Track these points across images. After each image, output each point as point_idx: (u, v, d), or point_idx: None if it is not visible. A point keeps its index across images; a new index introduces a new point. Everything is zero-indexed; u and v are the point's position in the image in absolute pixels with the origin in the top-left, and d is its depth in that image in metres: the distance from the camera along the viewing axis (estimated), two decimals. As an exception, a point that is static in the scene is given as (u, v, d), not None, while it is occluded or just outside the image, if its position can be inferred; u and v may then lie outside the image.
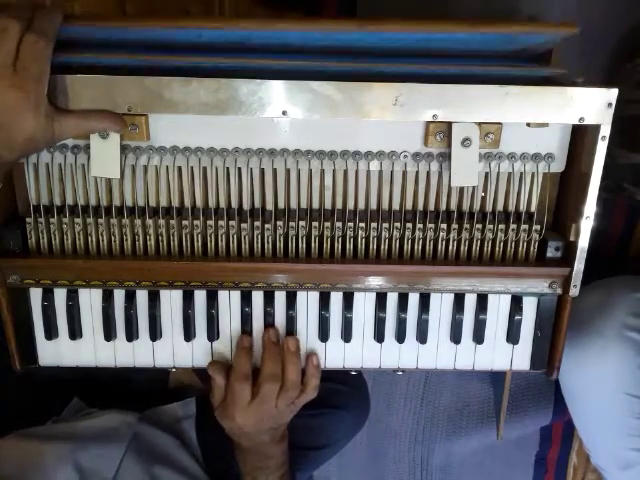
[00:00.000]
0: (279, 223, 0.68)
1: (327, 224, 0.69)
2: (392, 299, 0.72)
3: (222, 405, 0.72)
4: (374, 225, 0.68)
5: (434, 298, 0.71)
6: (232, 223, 0.68)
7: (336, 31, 0.58)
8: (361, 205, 0.69)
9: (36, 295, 0.70)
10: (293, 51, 0.60)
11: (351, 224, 0.68)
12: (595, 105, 0.60)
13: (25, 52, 0.52)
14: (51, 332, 0.71)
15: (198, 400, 0.91)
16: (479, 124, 0.62)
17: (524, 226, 0.68)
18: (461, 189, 0.68)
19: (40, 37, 0.52)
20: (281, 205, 0.69)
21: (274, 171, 0.68)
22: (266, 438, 0.74)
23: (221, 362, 0.73)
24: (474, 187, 0.67)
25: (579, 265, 0.67)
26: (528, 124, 0.64)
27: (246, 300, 0.71)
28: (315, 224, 0.68)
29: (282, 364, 0.71)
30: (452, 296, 0.71)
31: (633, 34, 0.94)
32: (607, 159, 0.62)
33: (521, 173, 0.67)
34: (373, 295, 0.71)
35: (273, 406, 0.70)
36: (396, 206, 0.69)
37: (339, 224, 0.68)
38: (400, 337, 0.72)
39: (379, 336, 0.73)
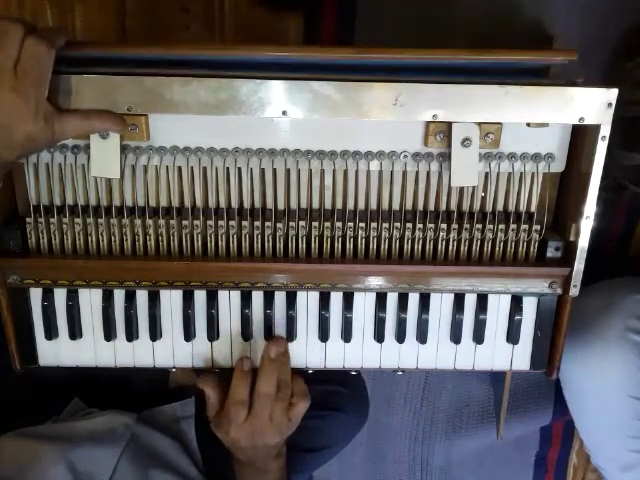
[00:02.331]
0: (279, 223, 0.68)
1: (327, 224, 0.69)
2: (392, 299, 0.72)
3: (217, 418, 0.72)
4: (374, 225, 0.68)
5: (434, 298, 0.71)
6: (232, 223, 0.68)
7: (334, 58, 0.59)
8: (361, 205, 0.69)
9: (36, 295, 0.70)
10: (291, 66, 0.61)
11: (351, 224, 0.68)
12: (595, 105, 0.60)
13: (26, 56, 0.52)
14: (51, 332, 0.71)
15: (197, 400, 0.91)
16: (479, 124, 0.62)
17: (524, 226, 0.68)
18: (461, 189, 0.68)
19: (42, 42, 0.52)
20: (281, 205, 0.69)
21: (274, 171, 0.68)
22: (262, 453, 0.73)
23: (211, 375, 0.72)
24: (474, 187, 0.67)
25: (579, 265, 0.67)
26: (528, 124, 0.64)
27: (246, 300, 0.71)
28: (315, 224, 0.68)
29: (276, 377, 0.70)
30: (452, 296, 0.71)
31: (633, 33, 0.94)
32: (607, 159, 0.62)
33: (521, 173, 0.67)
34: (373, 295, 0.71)
35: (267, 421, 0.69)
36: (396, 206, 0.69)
37: (339, 224, 0.68)
38: (400, 337, 0.72)
39: (379, 336, 0.73)
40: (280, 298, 0.72)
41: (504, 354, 0.74)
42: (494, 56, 0.60)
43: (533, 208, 0.69)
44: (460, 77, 0.60)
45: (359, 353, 0.74)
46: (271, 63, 0.60)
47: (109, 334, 0.71)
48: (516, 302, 0.71)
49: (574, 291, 0.68)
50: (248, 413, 0.69)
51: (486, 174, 0.67)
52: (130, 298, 0.71)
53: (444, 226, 0.69)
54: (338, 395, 0.98)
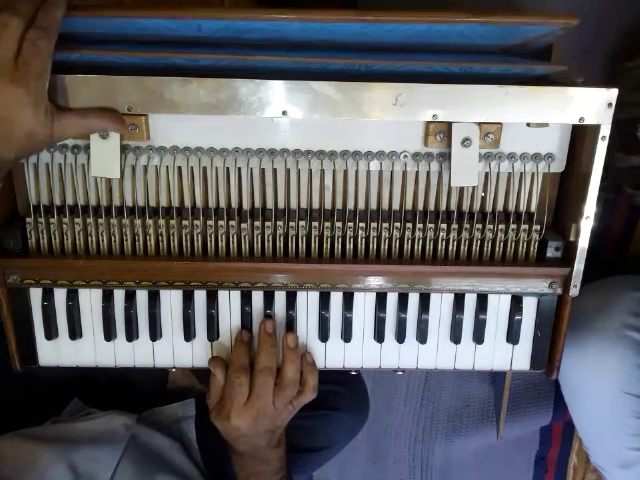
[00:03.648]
0: (279, 223, 0.68)
1: (327, 224, 0.69)
2: (392, 299, 0.72)
3: (218, 405, 0.71)
4: (374, 225, 0.68)
5: (434, 298, 0.71)
6: (232, 223, 0.68)
7: (335, 22, 0.58)
8: (361, 205, 0.69)
9: (36, 295, 0.70)
10: (292, 47, 0.60)
11: (351, 224, 0.68)
12: (595, 105, 0.60)
13: (26, 48, 0.52)
14: (51, 332, 0.71)
15: (197, 401, 0.91)
16: (479, 124, 0.62)
17: (524, 226, 0.68)
18: (461, 189, 0.68)
19: (42, 33, 0.52)
20: (281, 205, 0.69)
21: (274, 171, 0.68)
22: (262, 442, 0.73)
23: (222, 359, 0.72)
24: (474, 187, 0.67)
25: (579, 265, 0.67)
26: (528, 124, 0.64)
27: (246, 300, 0.71)
28: (315, 224, 0.68)
29: (281, 359, 0.70)
30: (452, 296, 0.71)
31: (633, 33, 0.94)
32: (606, 160, 0.62)
33: (521, 173, 0.67)
34: (373, 295, 0.71)
35: (270, 403, 0.69)
36: (396, 206, 0.69)
37: (339, 224, 0.68)
38: (400, 337, 0.72)
39: (379, 336, 0.73)
40: (280, 298, 0.72)
41: (504, 354, 0.74)
42: (493, 19, 0.59)
43: (533, 208, 0.69)
44: (461, 57, 0.59)
45: (359, 353, 0.74)
46: (273, 30, 0.59)
47: (109, 334, 0.71)
48: (516, 302, 0.71)
49: (574, 291, 0.68)
50: (250, 393, 0.69)
51: (486, 174, 0.67)
52: (130, 298, 0.71)
53: (444, 226, 0.69)
54: (338, 395, 0.98)
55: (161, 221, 0.68)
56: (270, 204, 0.69)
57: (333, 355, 0.74)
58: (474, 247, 0.70)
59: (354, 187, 0.69)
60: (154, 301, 0.71)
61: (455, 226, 0.69)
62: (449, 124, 0.62)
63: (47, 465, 0.73)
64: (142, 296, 0.71)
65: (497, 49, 0.64)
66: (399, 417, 1.28)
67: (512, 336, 0.72)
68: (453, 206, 0.69)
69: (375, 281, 0.70)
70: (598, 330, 0.83)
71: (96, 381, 0.91)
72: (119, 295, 0.71)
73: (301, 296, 0.71)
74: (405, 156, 0.66)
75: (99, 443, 0.79)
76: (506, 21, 0.58)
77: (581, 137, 0.65)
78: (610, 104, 0.60)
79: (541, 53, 0.66)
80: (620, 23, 0.94)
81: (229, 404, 0.70)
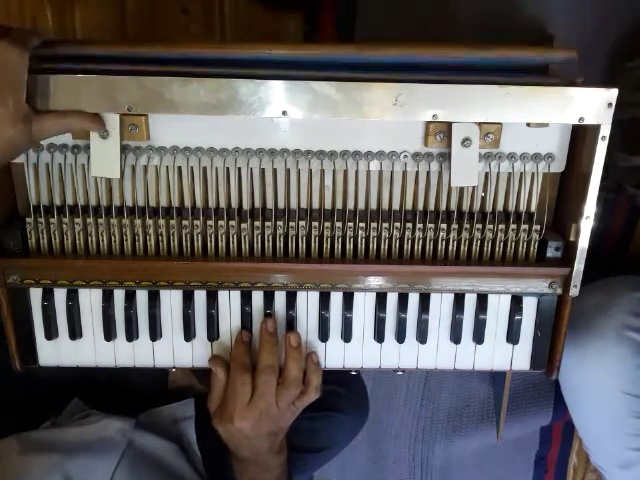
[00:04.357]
0: (279, 223, 0.68)
1: (327, 224, 0.69)
2: (392, 299, 0.72)
3: (220, 408, 0.71)
4: (374, 225, 0.68)
5: (434, 298, 0.71)
6: (232, 223, 0.68)
7: (335, 56, 0.60)
8: (361, 205, 0.69)
9: (36, 295, 0.70)
10: (292, 64, 0.61)
11: (351, 224, 0.68)
12: (595, 105, 0.60)
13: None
14: (51, 332, 0.71)
15: (197, 401, 0.91)
16: (479, 124, 0.62)
17: (524, 226, 0.68)
18: (461, 189, 0.68)
19: (13, 46, 0.53)
20: (281, 205, 0.69)
21: (274, 171, 0.68)
22: (264, 445, 0.72)
23: (223, 357, 0.72)
24: (474, 187, 0.67)
25: (579, 265, 0.67)
26: (528, 124, 0.64)
27: (246, 300, 0.71)
28: (315, 224, 0.68)
29: (283, 358, 0.70)
30: (452, 296, 0.71)
31: (633, 33, 0.94)
32: (607, 160, 0.62)
33: (521, 173, 0.67)
34: (373, 295, 0.71)
35: (273, 403, 0.69)
36: (396, 206, 0.69)
37: (339, 224, 0.68)
38: (400, 337, 0.72)
39: (379, 336, 0.73)
40: (280, 298, 0.72)
41: (504, 354, 0.74)
42: (494, 52, 0.60)
43: (533, 208, 0.69)
44: (459, 75, 0.60)
45: (359, 353, 0.74)
46: (271, 61, 0.60)
47: (109, 334, 0.71)
48: (516, 302, 0.71)
49: (574, 291, 0.68)
50: (253, 393, 0.69)
51: (486, 174, 0.67)
52: (130, 298, 0.71)
53: (444, 226, 0.69)
54: (338, 395, 0.98)
55: (161, 221, 0.68)
56: (270, 204, 0.69)
57: (333, 355, 0.74)
58: (474, 247, 0.70)
59: (354, 187, 0.69)
60: (154, 301, 0.71)
61: (455, 226, 0.69)
62: (449, 124, 0.62)
63: (41, 475, 0.72)
64: (142, 296, 0.71)
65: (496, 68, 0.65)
66: (399, 417, 1.28)
67: (512, 336, 0.72)
68: (453, 206, 0.69)
69: (375, 281, 0.70)
70: (598, 330, 0.83)
71: (96, 381, 0.91)
72: (119, 295, 0.71)
73: (301, 296, 0.71)
74: (405, 156, 0.66)
75: (95, 451, 0.77)
76: (504, 55, 0.59)
77: (581, 137, 0.65)
78: (610, 104, 0.60)
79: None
80: (620, 23, 0.94)
81: (232, 406, 0.69)
